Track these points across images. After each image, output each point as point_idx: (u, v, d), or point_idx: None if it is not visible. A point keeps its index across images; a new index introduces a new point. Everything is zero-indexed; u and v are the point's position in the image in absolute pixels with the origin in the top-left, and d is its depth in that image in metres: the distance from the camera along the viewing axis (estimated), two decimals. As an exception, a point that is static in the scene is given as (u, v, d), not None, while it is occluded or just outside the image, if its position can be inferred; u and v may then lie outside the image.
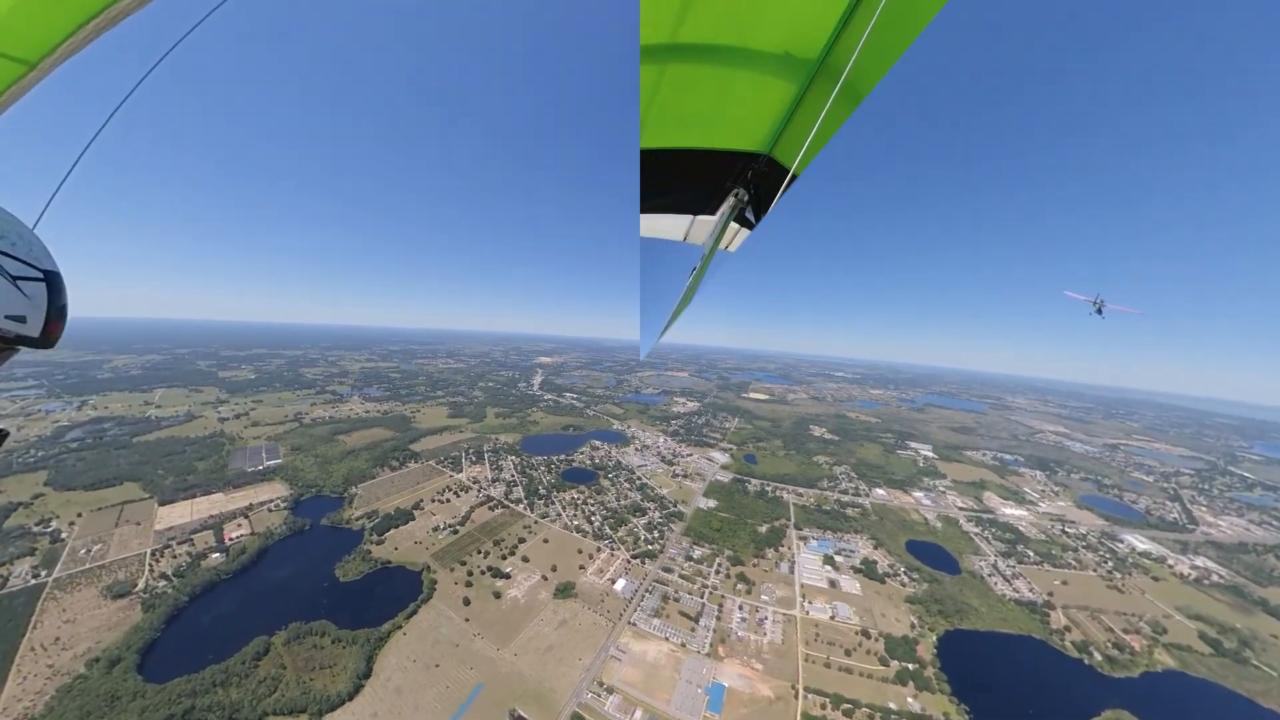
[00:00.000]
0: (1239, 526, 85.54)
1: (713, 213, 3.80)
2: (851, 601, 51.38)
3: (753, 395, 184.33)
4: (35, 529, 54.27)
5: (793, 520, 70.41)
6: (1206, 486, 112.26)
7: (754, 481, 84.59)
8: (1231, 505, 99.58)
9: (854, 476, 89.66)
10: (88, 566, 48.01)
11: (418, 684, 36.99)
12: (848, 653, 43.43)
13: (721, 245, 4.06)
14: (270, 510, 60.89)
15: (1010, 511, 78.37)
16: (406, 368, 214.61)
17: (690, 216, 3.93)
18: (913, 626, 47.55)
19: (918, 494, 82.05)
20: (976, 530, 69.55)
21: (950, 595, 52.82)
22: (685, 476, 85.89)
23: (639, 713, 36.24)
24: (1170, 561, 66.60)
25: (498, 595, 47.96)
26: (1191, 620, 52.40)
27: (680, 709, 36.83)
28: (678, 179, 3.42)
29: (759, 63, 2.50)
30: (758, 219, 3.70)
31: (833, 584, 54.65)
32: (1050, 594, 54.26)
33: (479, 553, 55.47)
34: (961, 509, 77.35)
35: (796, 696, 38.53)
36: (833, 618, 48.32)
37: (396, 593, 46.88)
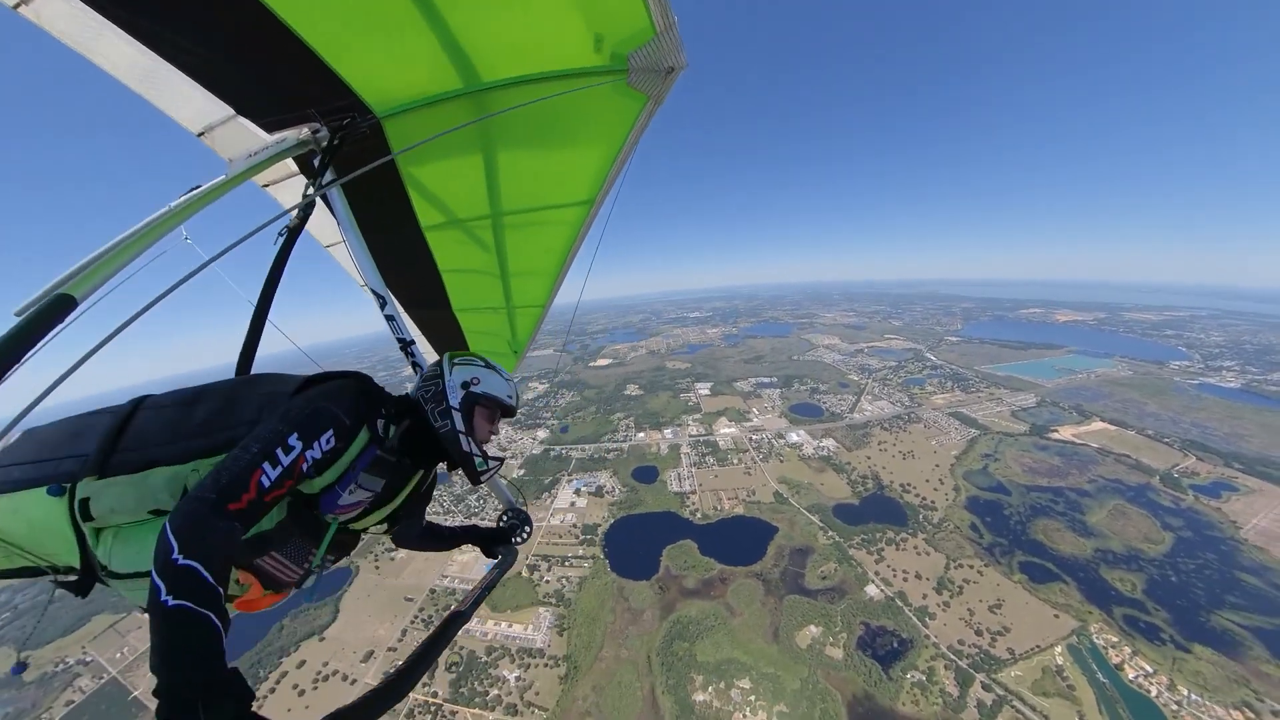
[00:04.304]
0: (881, 406, 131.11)
1: (270, 129, 2.69)
2: (577, 512, 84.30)
3: (598, 363, 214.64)
4: None
5: (570, 470, 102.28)
6: (891, 376, 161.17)
7: (558, 448, 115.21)
8: (895, 389, 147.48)
9: (630, 426, 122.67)
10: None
11: (366, 604, 67.05)
12: (560, 536, 77.77)
13: (261, 179, 3.16)
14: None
15: (724, 431, 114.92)
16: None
17: (232, 110, 2.60)
18: (603, 518, 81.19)
19: (666, 431, 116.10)
20: (688, 451, 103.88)
21: (638, 497, 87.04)
22: (511, 457, 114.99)
23: (458, 579, 70.86)
24: (804, 447, 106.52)
25: (393, 559, 76.85)
26: (779, 484, 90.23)
27: (474, 573, 70.15)
28: (248, 50, 2.23)
29: (444, 38, 2.09)
30: (322, 178, 2.72)
31: (572, 505, 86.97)
32: (700, 485, 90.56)
33: (379, 544, 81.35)
34: (691, 436, 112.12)
35: (527, 559, 72.61)
36: (561, 522, 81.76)
37: (337, 580, 72.10)
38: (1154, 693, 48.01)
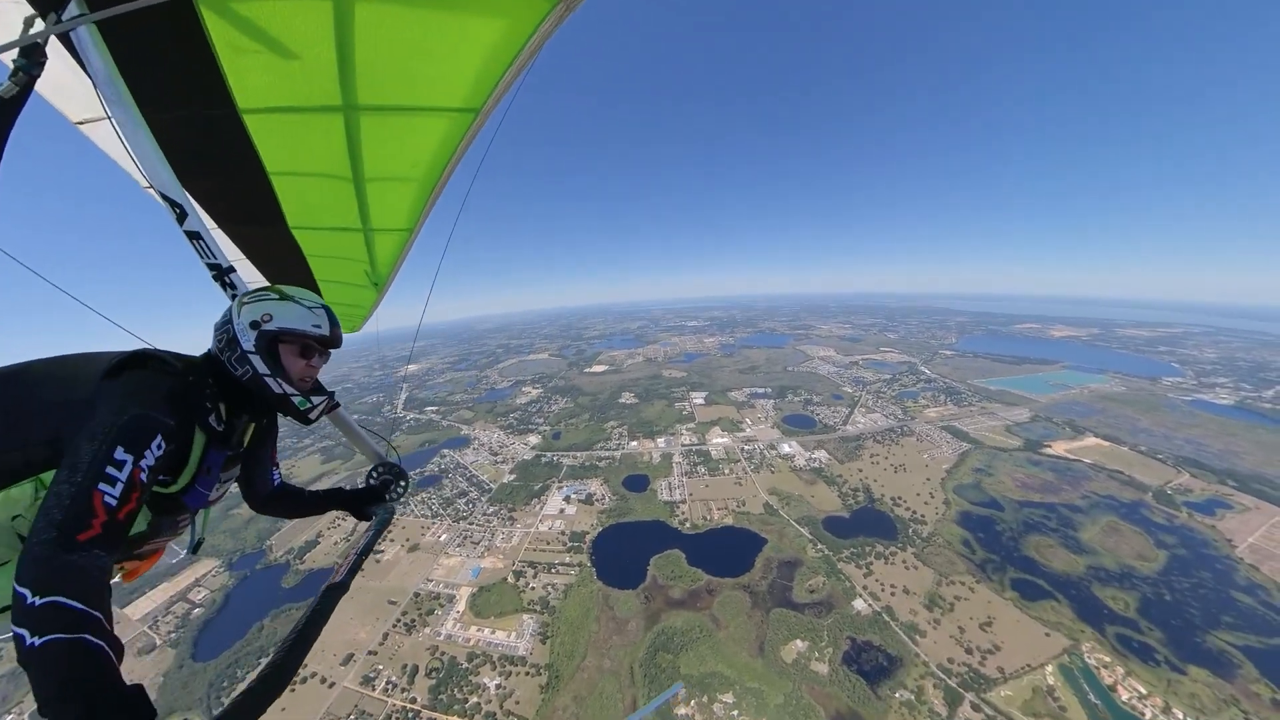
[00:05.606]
0: (874, 419, 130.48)
1: None
2: (566, 519, 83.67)
3: (594, 369, 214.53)
4: None
5: (560, 476, 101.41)
6: (886, 390, 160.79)
7: (549, 454, 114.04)
8: (889, 402, 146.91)
9: (624, 434, 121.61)
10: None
11: (348, 606, 63.70)
12: (547, 543, 76.84)
13: None
14: (214, 575, 77.38)
15: (717, 441, 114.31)
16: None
17: None
18: (592, 525, 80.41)
19: (660, 440, 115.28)
20: (680, 460, 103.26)
21: (628, 506, 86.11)
22: (503, 461, 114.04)
23: (443, 584, 69.75)
24: (796, 458, 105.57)
25: (378, 561, 76.28)
26: (769, 495, 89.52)
27: (460, 578, 69.72)
28: None
29: None
30: (62, 9, 1.73)
31: (562, 511, 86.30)
32: (690, 494, 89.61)
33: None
34: (683, 445, 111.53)
35: (514, 565, 71.89)
36: (549, 529, 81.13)
37: (322, 582, 71.45)
38: (1148, 715, 47.00)
